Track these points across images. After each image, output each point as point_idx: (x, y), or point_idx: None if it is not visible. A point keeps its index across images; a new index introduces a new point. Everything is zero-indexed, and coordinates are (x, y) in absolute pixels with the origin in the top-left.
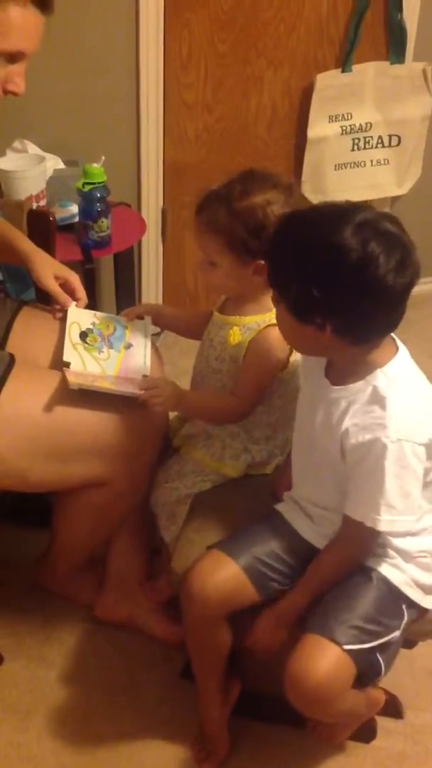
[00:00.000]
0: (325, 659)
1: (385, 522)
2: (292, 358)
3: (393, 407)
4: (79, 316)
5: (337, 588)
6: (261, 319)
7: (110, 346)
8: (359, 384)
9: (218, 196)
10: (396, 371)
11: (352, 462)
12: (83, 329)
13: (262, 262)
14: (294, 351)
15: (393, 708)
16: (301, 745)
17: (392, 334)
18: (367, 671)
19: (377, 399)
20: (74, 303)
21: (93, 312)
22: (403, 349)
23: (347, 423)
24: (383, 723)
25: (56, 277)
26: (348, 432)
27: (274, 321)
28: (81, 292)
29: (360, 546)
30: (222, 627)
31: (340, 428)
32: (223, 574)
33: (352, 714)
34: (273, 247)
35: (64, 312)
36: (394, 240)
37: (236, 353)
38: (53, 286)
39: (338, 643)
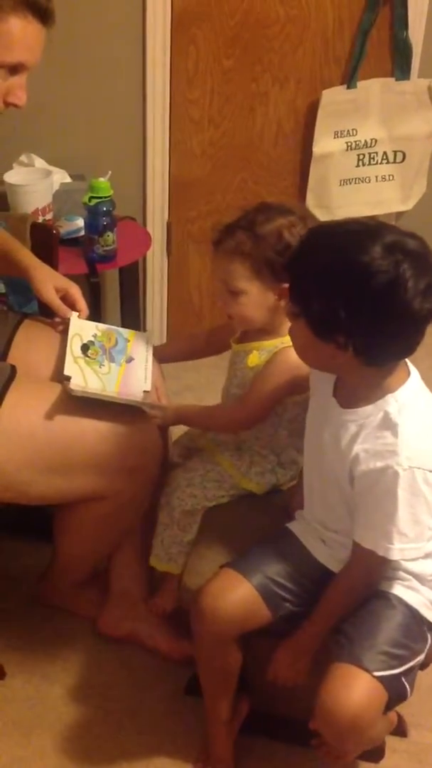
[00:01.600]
0: (357, 689)
1: (397, 551)
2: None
3: (405, 434)
4: (81, 328)
5: (359, 614)
6: (279, 342)
7: (111, 360)
8: (369, 408)
9: (239, 225)
10: (407, 397)
11: (362, 488)
12: (85, 341)
13: (287, 285)
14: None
15: (398, 727)
16: (309, 764)
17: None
18: (394, 697)
19: (389, 425)
20: (76, 314)
21: (95, 323)
22: (414, 373)
23: (357, 448)
24: (388, 741)
25: (57, 289)
26: (358, 458)
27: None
28: (82, 303)
29: (371, 573)
30: (233, 647)
31: (350, 453)
32: (237, 594)
33: (375, 740)
34: (296, 261)
35: (66, 324)
36: (423, 263)
37: (254, 375)
38: (53, 298)
39: (368, 670)
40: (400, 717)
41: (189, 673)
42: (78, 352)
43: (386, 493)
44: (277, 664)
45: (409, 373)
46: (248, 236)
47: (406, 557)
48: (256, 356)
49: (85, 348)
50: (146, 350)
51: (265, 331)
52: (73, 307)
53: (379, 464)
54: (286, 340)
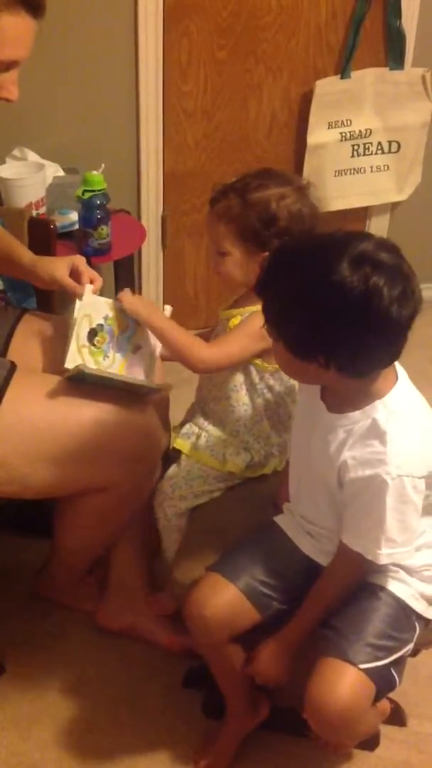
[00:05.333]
0: (344, 683)
1: (385, 556)
2: None
3: (393, 442)
4: (94, 307)
5: (346, 609)
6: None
7: (117, 349)
8: (357, 414)
9: (234, 187)
10: (396, 402)
11: (350, 494)
12: (94, 325)
13: (267, 254)
14: None
15: (396, 716)
16: (306, 754)
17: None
18: (383, 688)
19: (377, 433)
20: (90, 287)
21: (110, 301)
22: (402, 376)
23: (346, 455)
24: (387, 732)
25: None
26: (347, 464)
27: None
28: (84, 266)
29: (359, 572)
30: (229, 648)
31: (338, 459)
32: (222, 599)
33: (368, 731)
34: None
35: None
36: (394, 271)
37: None
38: (69, 281)
39: (354, 664)
40: (398, 707)
41: (187, 666)
42: (84, 339)
43: (374, 500)
44: (261, 660)
45: (397, 377)
46: (238, 201)
47: (395, 561)
48: (237, 320)
49: (92, 334)
50: (153, 341)
51: (250, 299)
52: (78, 279)
53: (368, 472)
54: None
